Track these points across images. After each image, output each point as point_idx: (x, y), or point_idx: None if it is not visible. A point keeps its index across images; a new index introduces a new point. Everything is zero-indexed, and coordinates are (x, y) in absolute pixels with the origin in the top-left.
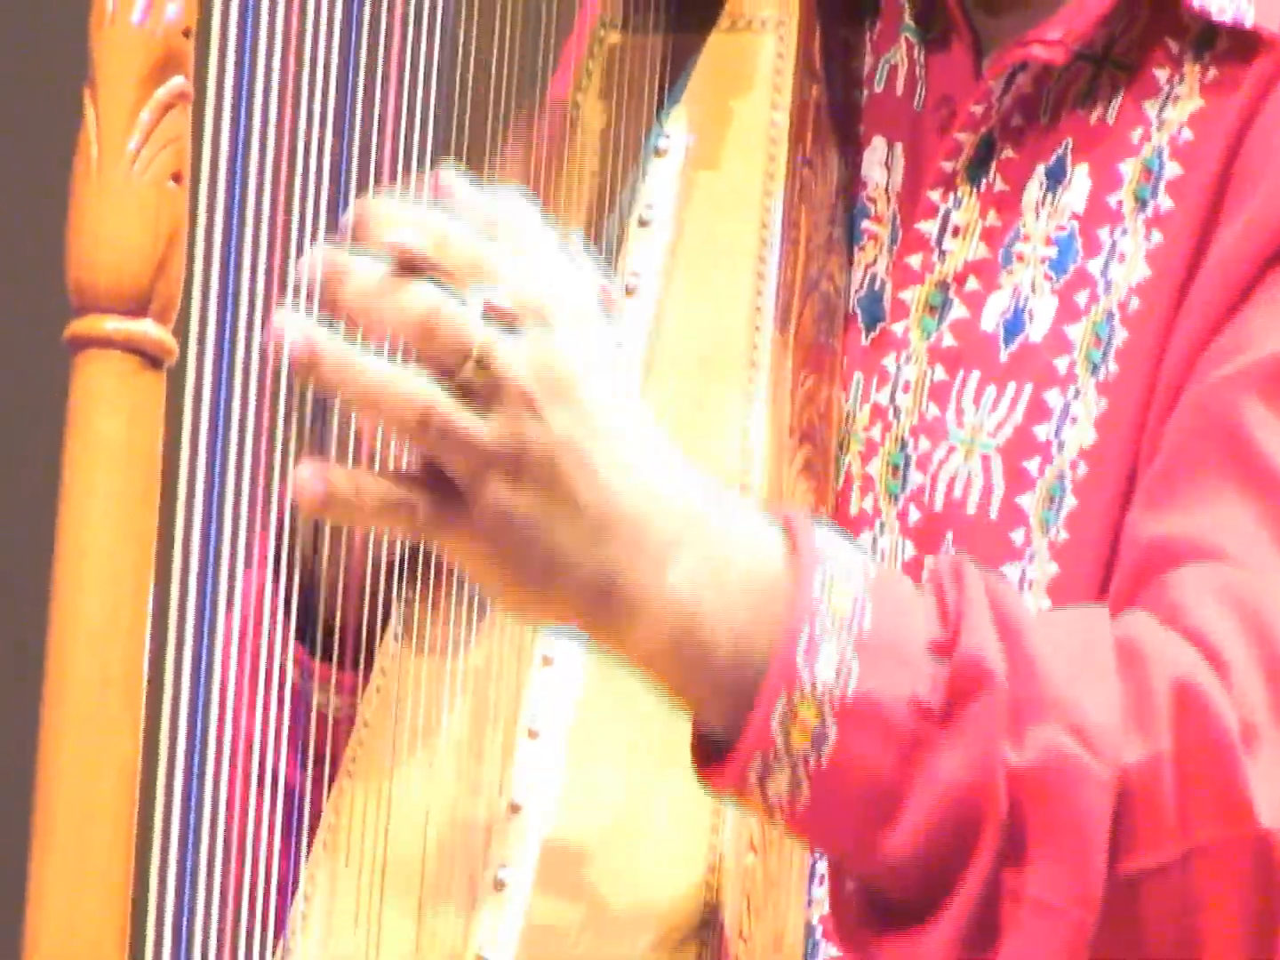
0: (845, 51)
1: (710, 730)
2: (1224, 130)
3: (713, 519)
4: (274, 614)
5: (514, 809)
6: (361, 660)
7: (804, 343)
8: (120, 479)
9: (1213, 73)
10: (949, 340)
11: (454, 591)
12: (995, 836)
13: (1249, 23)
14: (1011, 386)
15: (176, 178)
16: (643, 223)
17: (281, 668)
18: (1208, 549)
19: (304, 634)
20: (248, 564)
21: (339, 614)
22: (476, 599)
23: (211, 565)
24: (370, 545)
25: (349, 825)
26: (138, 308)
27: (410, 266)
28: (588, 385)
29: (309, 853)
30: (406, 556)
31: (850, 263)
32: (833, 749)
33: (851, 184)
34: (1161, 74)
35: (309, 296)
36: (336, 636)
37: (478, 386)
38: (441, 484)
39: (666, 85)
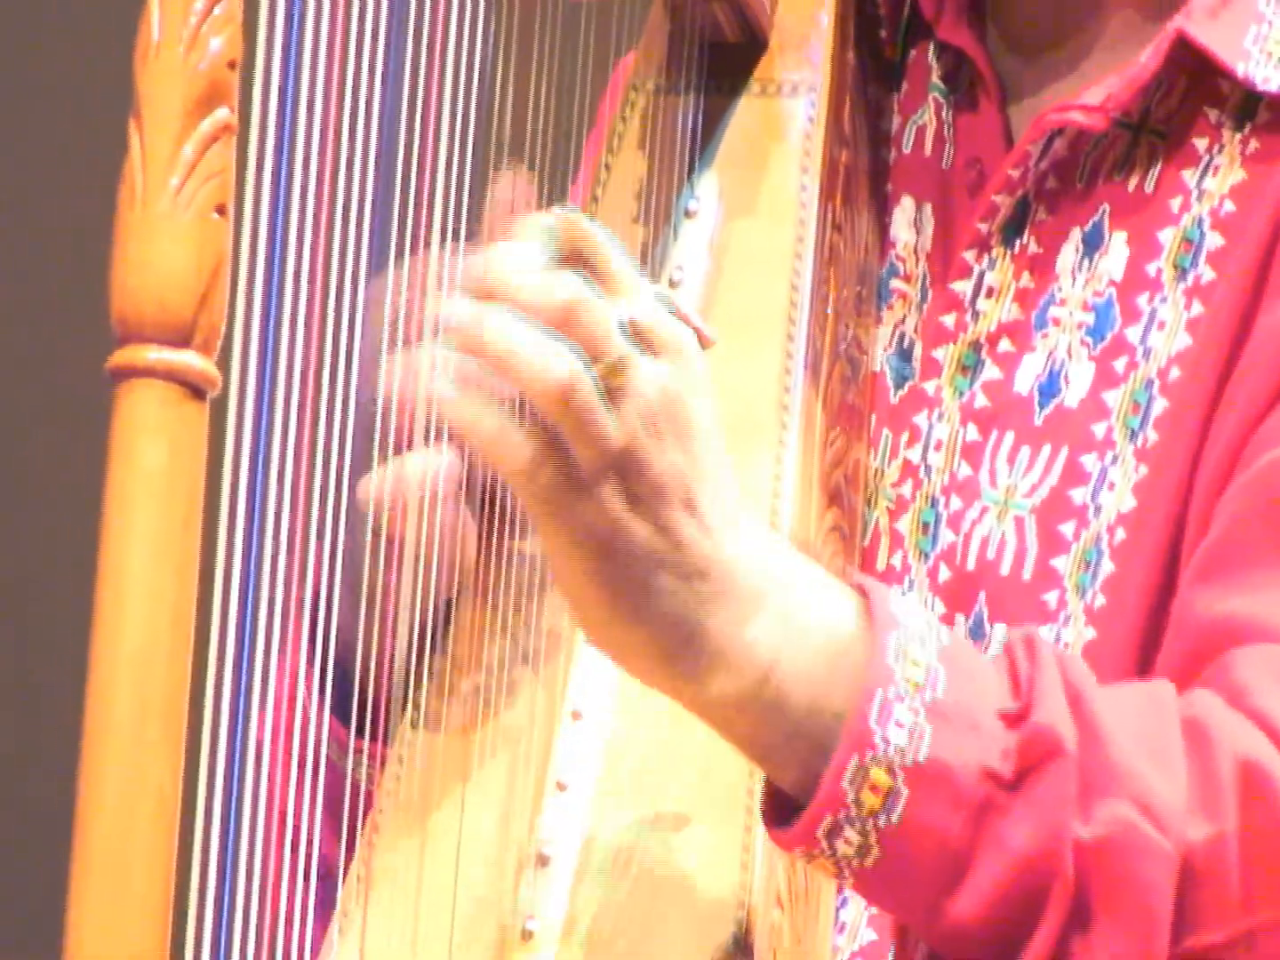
0: (874, 113)
1: (781, 786)
2: (1268, 203)
3: (794, 581)
4: (309, 689)
5: (542, 860)
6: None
7: (832, 404)
8: (162, 508)
9: (1254, 145)
10: (982, 400)
11: (486, 646)
12: (1062, 907)
13: None
14: (1047, 449)
15: (220, 209)
16: (673, 284)
17: (317, 744)
18: (1271, 630)
19: (337, 706)
20: (286, 596)
21: (373, 687)
22: (508, 656)
23: (252, 594)
24: (404, 616)
25: (379, 875)
26: (181, 338)
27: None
28: (704, 430)
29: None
30: (439, 627)
31: (878, 321)
32: (903, 811)
33: (879, 243)
34: (1201, 143)
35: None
36: (370, 709)
37: (609, 388)
38: (563, 461)
39: (698, 148)
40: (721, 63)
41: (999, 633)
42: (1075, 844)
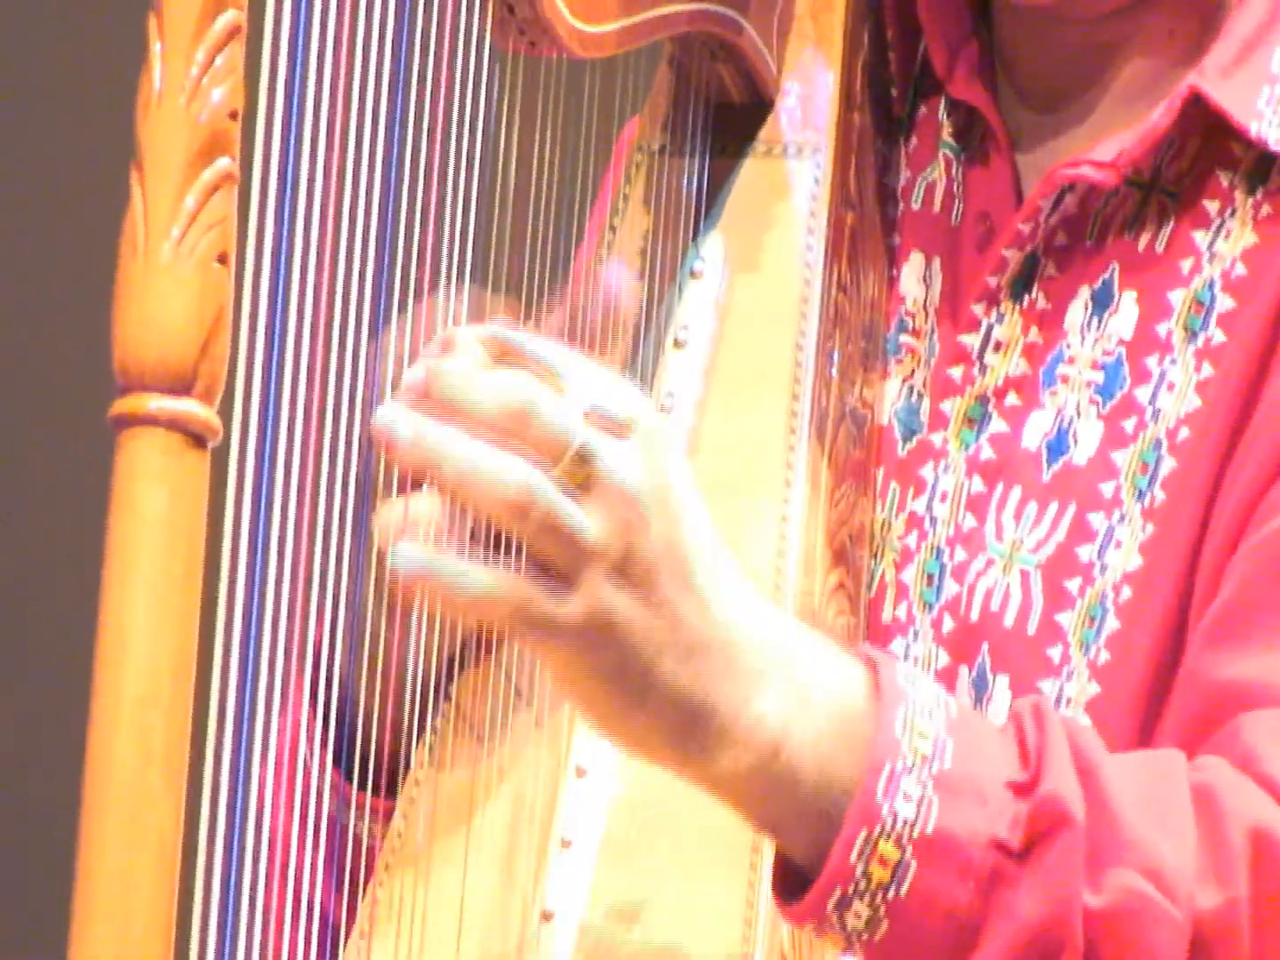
0: (880, 169)
1: (790, 858)
2: (1276, 276)
3: (799, 653)
4: (311, 742)
5: (546, 917)
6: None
7: (838, 463)
8: (163, 557)
9: (1266, 209)
10: (987, 453)
11: (488, 703)
12: None
13: None
14: (1054, 506)
15: (222, 259)
16: (678, 344)
17: (319, 798)
18: (1273, 694)
19: (340, 759)
20: (289, 644)
21: (375, 740)
22: (510, 711)
23: (254, 642)
24: (408, 671)
25: (383, 926)
26: (182, 387)
27: (511, 362)
28: (690, 505)
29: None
30: (442, 682)
31: (883, 376)
32: (912, 883)
33: (885, 299)
34: (1212, 206)
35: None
36: (373, 763)
37: (576, 482)
38: (545, 581)
39: (703, 208)
40: (727, 123)
41: (1001, 685)
42: (1085, 913)
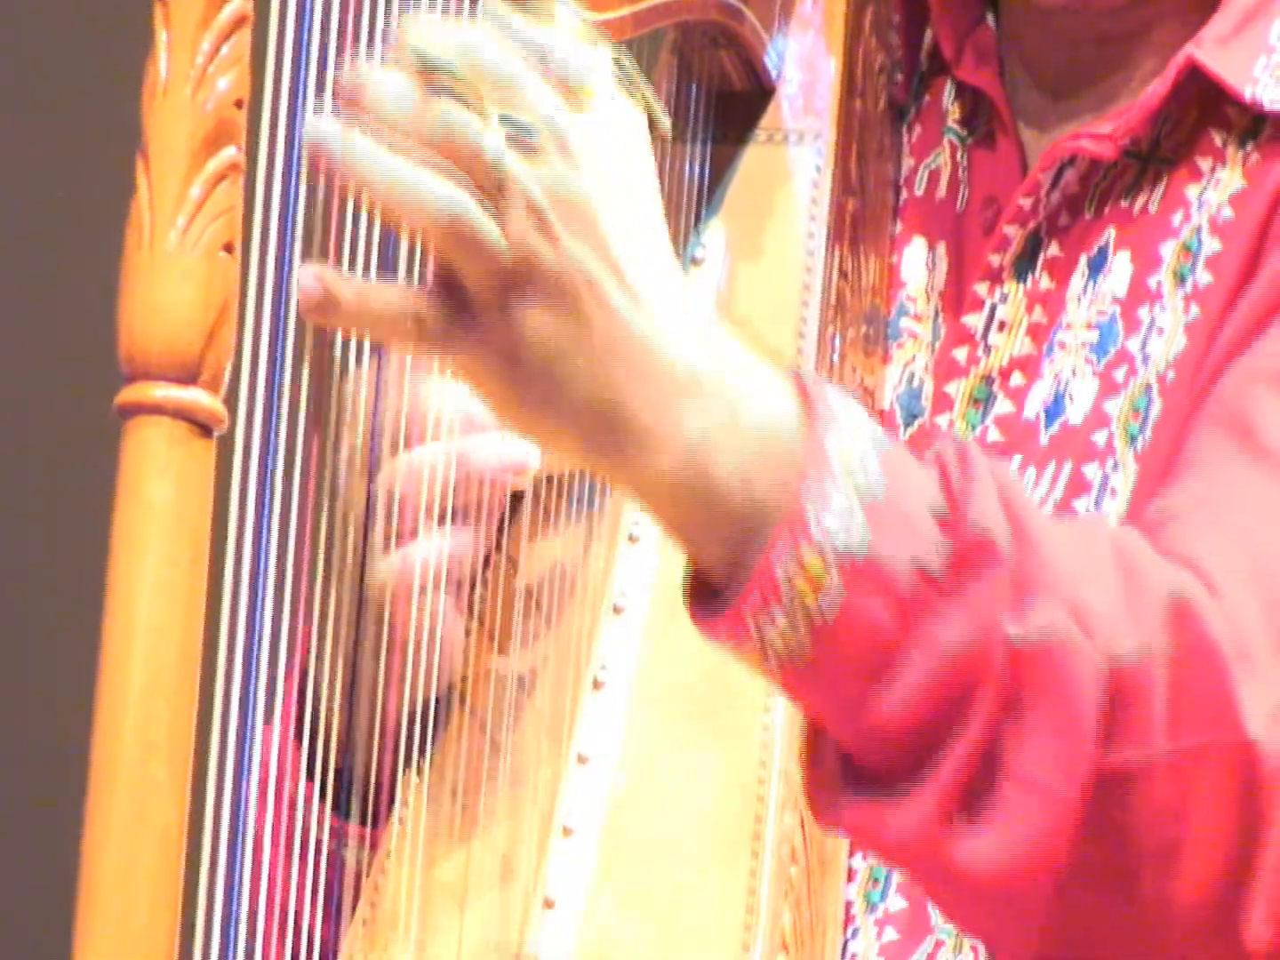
0: (881, 157)
1: (709, 575)
2: (1262, 200)
3: (727, 363)
4: (296, 776)
5: (548, 904)
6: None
7: None
8: (169, 545)
9: (1255, 157)
10: (994, 435)
11: (491, 692)
12: (990, 706)
13: None
14: (1052, 466)
15: (228, 248)
16: None
17: (317, 842)
18: (1203, 505)
19: (327, 791)
20: (292, 633)
21: (361, 774)
22: (512, 700)
23: (259, 631)
24: (398, 702)
25: (385, 914)
26: (188, 376)
27: (434, 78)
28: (604, 216)
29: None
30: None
31: (883, 361)
32: (836, 600)
33: (885, 285)
34: (1205, 163)
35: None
36: (358, 795)
37: (492, 198)
38: (451, 298)
39: (704, 196)
40: (728, 111)
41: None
42: (1007, 645)
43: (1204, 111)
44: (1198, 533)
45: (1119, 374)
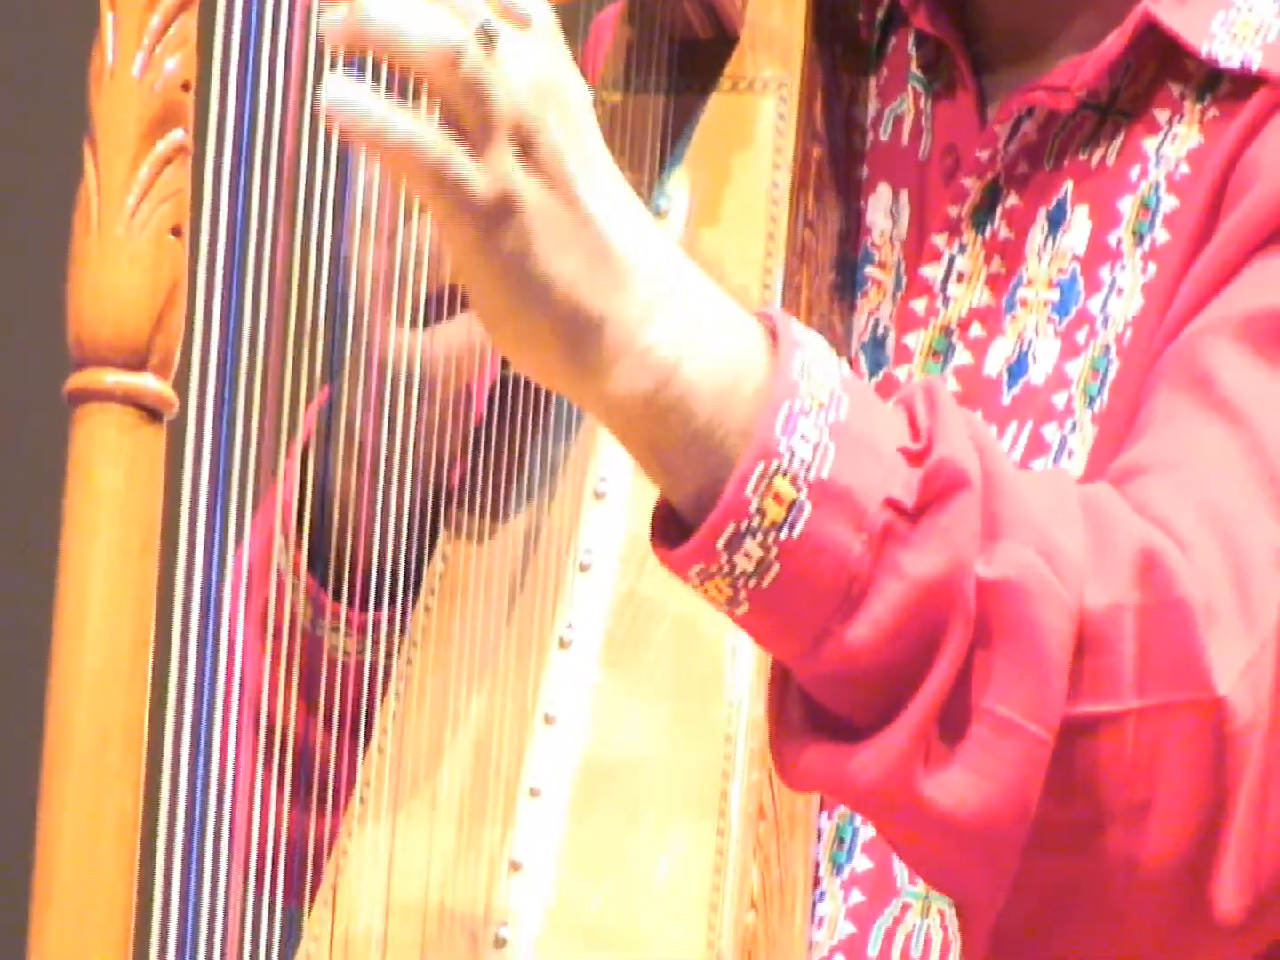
0: (847, 101)
1: (678, 504)
2: (1219, 159)
3: (698, 290)
4: (286, 544)
5: (515, 867)
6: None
7: None
8: (120, 532)
9: (1213, 112)
10: (952, 385)
11: (454, 651)
12: (960, 642)
13: (1255, 67)
14: (1013, 426)
15: (176, 231)
16: None
17: (293, 608)
18: (1168, 462)
19: (314, 567)
20: (247, 621)
21: (351, 549)
22: (479, 653)
23: (212, 617)
24: (385, 478)
25: (350, 882)
26: (137, 361)
27: None
28: (585, 114)
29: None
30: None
31: (852, 309)
32: (805, 525)
33: (853, 230)
34: (1162, 115)
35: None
36: (348, 572)
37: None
38: (462, 140)
39: (668, 146)
40: (692, 59)
41: None
42: (976, 580)
43: (1162, 64)
44: (1163, 490)
45: (1080, 335)
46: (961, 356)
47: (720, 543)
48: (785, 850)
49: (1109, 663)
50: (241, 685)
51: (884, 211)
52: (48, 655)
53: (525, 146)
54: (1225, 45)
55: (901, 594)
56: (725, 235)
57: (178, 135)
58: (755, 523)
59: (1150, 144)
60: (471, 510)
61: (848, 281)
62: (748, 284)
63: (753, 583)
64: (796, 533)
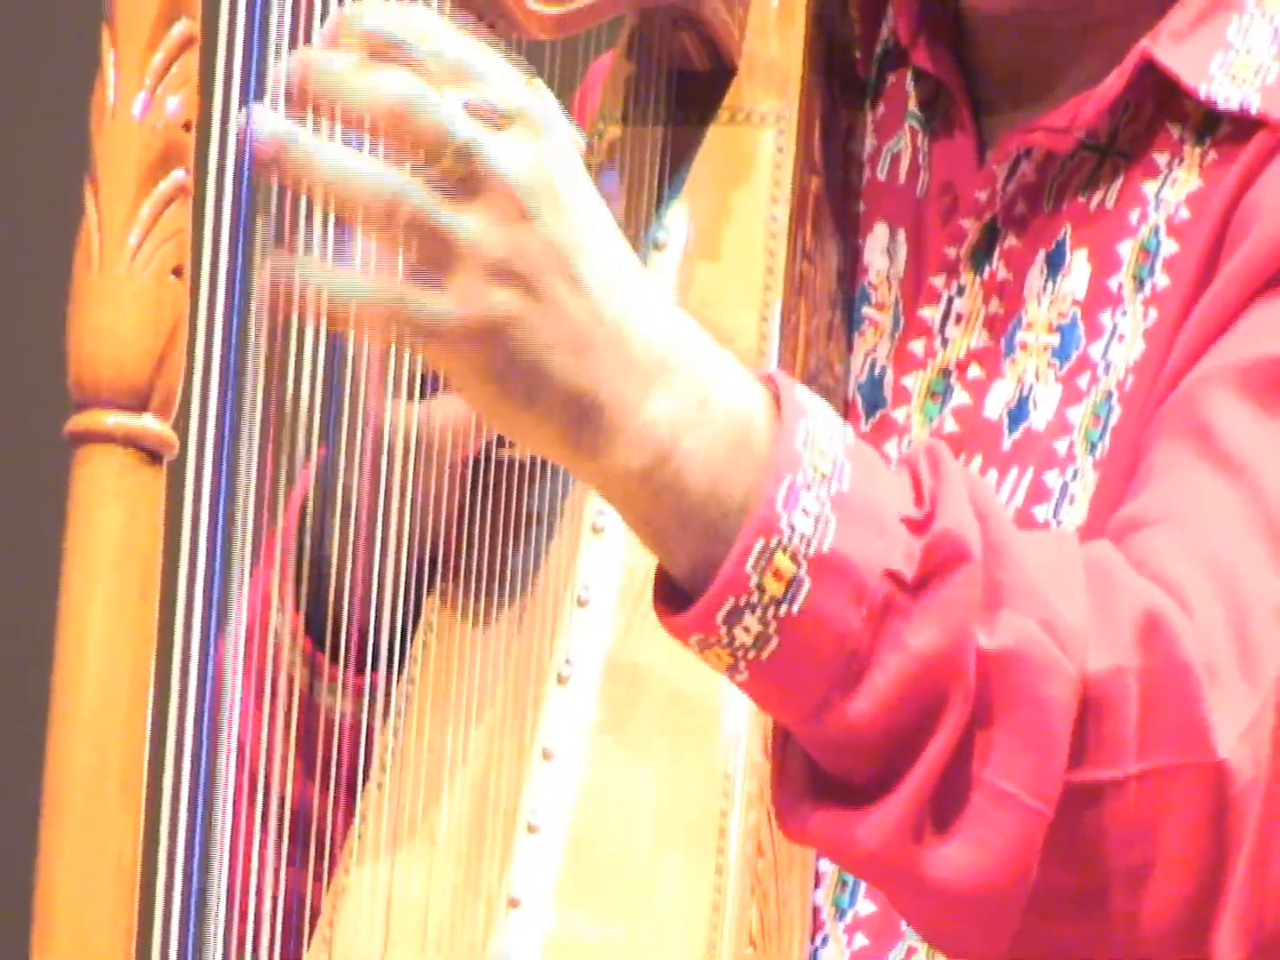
0: (844, 136)
1: (677, 575)
2: (1219, 203)
3: (698, 357)
4: (283, 606)
5: (513, 903)
6: (368, 663)
7: None
8: (120, 573)
9: (1212, 155)
10: (950, 426)
11: (453, 685)
12: (960, 714)
13: (1254, 109)
14: (1014, 472)
15: (177, 271)
16: None
17: (289, 670)
18: (1169, 515)
19: (311, 629)
20: (247, 659)
21: (347, 610)
22: (477, 688)
23: (212, 660)
24: (380, 542)
25: (348, 918)
26: (138, 402)
27: (391, 54)
28: (577, 198)
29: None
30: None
31: (849, 348)
32: (805, 600)
33: (851, 268)
34: (1162, 158)
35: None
36: (344, 635)
37: (456, 180)
38: (417, 280)
39: (665, 178)
40: (690, 91)
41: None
42: (978, 650)
43: (1161, 105)
44: (1164, 544)
45: (1082, 381)
46: (960, 397)
47: (719, 616)
48: (783, 888)
49: (1111, 728)
50: (239, 748)
51: (881, 250)
52: (48, 695)
53: (496, 265)
54: (1224, 86)
55: (901, 667)
56: (723, 268)
57: (179, 175)
58: (754, 598)
59: (1150, 187)
60: (470, 546)
61: (845, 318)
62: (745, 318)
63: (752, 655)
64: (796, 608)
